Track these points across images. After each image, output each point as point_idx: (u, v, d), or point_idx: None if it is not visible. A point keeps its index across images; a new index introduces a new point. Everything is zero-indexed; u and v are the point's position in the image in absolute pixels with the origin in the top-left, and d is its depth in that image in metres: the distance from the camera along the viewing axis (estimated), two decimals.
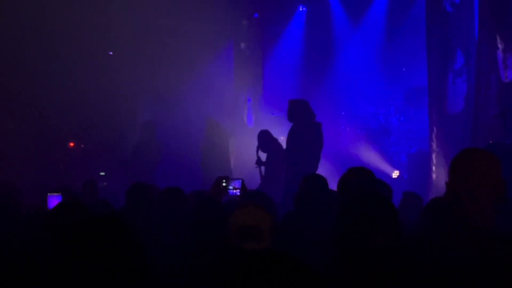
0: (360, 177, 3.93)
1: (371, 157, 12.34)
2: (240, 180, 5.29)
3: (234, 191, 5.25)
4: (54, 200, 6.15)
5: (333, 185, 6.53)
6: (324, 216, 4.22)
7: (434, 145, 9.73)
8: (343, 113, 13.42)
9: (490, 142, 7.93)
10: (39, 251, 2.96)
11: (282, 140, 10.43)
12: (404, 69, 12.79)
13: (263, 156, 9.92)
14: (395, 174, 12.03)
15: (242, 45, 13.94)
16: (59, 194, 6.29)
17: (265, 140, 9.92)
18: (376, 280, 2.41)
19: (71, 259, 2.08)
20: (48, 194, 6.45)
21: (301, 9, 13.70)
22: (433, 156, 9.67)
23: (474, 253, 2.50)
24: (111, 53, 12.89)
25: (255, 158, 9.97)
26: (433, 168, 9.62)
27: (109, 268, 2.07)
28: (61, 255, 2.14)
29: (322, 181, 5.00)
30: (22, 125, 11.99)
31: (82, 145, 12.37)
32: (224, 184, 5.15)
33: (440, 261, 2.51)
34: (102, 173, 11.90)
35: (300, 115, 8.88)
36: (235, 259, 3.06)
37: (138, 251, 2.16)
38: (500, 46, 8.27)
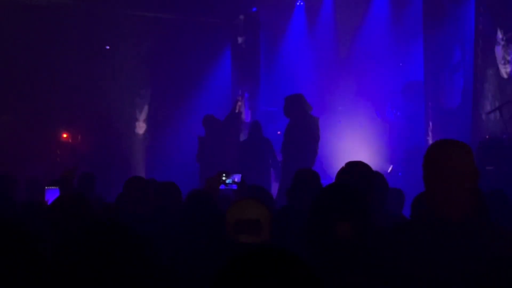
0: (357, 171, 3.96)
1: (367, 152, 12.34)
2: (240, 175, 5.29)
3: (231, 184, 5.25)
4: (51, 193, 6.14)
5: (330, 180, 6.55)
6: None
7: (430, 140, 9.75)
8: (339, 108, 13.42)
9: (487, 137, 7.96)
10: (40, 246, 2.95)
11: (279, 134, 10.44)
12: (401, 64, 12.80)
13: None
14: (390, 169, 12.05)
15: (240, 39, 13.92)
16: (57, 187, 6.27)
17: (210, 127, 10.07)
18: (342, 269, 2.44)
19: (76, 260, 2.10)
20: (46, 187, 6.44)
21: (299, 4, 13.68)
22: None
23: (446, 244, 2.52)
24: (107, 47, 12.87)
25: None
26: None
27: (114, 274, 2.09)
28: (66, 255, 2.16)
29: (314, 175, 5.02)
30: (18, 119, 11.97)
31: (79, 136, 12.34)
32: (223, 178, 5.13)
33: (410, 253, 2.53)
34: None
35: (296, 111, 8.88)
36: (232, 253, 3.02)
37: (143, 262, 2.18)
38: (500, 41, 8.28)
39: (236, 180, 5.22)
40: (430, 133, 9.80)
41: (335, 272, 2.42)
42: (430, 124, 9.81)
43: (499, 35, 8.31)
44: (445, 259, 2.47)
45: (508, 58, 8.21)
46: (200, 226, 3.75)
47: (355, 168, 4.01)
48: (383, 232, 2.71)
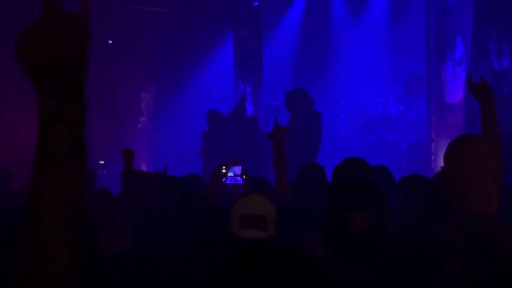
0: (354, 167, 3.96)
1: (370, 147, 12.34)
2: (240, 167, 5.26)
3: (235, 177, 5.22)
4: None
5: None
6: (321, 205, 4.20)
7: (433, 135, 9.73)
8: (342, 102, 13.42)
9: None
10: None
11: None
12: (403, 58, 12.78)
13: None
14: None
15: (242, 34, 13.90)
16: None
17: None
18: (357, 263, 2.42)
19: None
20: None
21: None
22: (432, 145, 9.68)
23: (464, 238, 2.49)
24: (110, 41, 12.86)
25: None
26: (432, 157, 9.63)
27: None
28: None
29: (320, 170, 5.00)
30: (22, 115, 11.97)
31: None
32: (223, 171, 5.11)
33: (428, 249, 2.52)
34: (101, 162, 11.89)
35: (298, 105, 8.86)
36: (237, 249, 2.99)
37: None
38: (493, 34, 8.26)
39: (236, 172, 5.19)
40: (433, 128, 9.78)
41: (349, 265, 2.41)
42: (433, 118, 9.79)
43: (494, 28, 8.30)
44: (466, 256, 2.42)
45: (502, 51, 8.19)
46: (197, 220, 3.71)
47: (352, 164, 4.02)
48: (399, 227, 2.69)
